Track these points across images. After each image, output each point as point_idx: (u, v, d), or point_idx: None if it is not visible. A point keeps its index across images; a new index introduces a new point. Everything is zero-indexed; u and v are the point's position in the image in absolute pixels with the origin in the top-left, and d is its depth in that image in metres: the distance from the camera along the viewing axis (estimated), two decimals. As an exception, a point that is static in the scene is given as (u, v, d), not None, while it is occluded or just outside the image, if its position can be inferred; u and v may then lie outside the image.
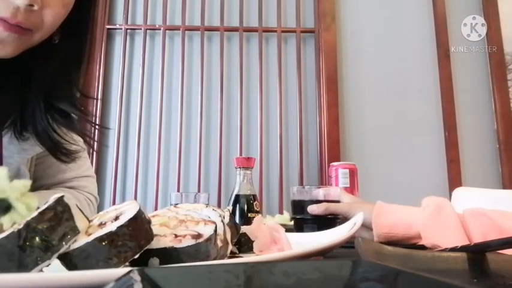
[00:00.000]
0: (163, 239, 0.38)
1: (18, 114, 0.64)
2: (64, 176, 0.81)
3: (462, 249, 0.46)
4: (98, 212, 0.89)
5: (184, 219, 0.42)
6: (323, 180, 1.88)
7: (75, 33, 0.68)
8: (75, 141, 0.71)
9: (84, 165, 0.86)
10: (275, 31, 2.03)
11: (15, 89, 0.64)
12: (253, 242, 0.51)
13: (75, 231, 0.34)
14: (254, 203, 1.07)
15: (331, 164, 1.17)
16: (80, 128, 0.73)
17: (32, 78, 0.65)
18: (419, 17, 2.08)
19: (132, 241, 0.34)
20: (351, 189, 1.11)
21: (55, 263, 0.33)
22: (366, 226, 0.80)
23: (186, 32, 2.02)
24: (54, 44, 0.66)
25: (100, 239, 0.33)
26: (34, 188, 0.79)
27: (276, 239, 0.51)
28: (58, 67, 0.67)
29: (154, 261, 0.37)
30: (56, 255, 0.33)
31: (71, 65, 0.70)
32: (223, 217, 0.45)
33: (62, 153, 0.69)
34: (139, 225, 0.35)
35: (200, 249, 0.37)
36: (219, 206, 1.80)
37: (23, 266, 0.31)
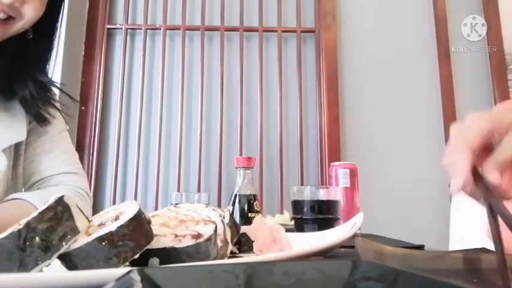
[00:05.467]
0: (163, 239, 0.38)
1: (8, 82, 0.81)
2: (55, 170, 0.85)
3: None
4: (94, 209, 0.91)
5: (184, 219, 0.42)
6: (323, 180, 1.87)
7: (44, 31, 0.84)
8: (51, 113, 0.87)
9: (75, 164, 0.90)
10: (275, 31, 2.03)
11: (5, 64, 0.82)
12: (253, 242, 0.51)
13: (75, 231, 0.34)
14: (254, 203, 1.07)
15: (331, 163, 1.17)
16: (53, 100, 0.88)
17: (18, 59, 0.83)
18: (420, 16, 2.08)
19: (132, 241, 0.34)
20: (351, 189, 1.10)
21: (55, 263, 0.33)
22: None
23: (187, 31, 2.02)
24: (29, 39, 0.81)
25: (100, 239, 0.33)
26: (28, 186, 0.82)
27: (276, 239, 0.51)
28: (34, 55, 0.84)
29: (154, 261, 0.37)
30: (56, 255, 0.33)
31: (43, 54, 0.86)
32: (223, 217, 0.45)
33: (42, 119, 0.84)
34: (139, 225, 0.35)
35: (200, 249, 0.37)
36: (219, 206, 1.80)
37: (23, 266, 0.31)
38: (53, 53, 0.88)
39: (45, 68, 0.87)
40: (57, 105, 0.90)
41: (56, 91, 0.91)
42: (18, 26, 0.75)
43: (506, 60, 2.00)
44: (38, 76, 0.84)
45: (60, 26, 0.88)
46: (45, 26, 0.83)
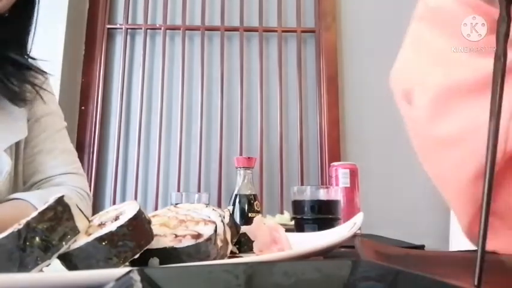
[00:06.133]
0: (163, 239, 0.38)
1: None
2: (56, 170, 0.84)
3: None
4: (94, 209, 0.91)
5: (184, 219, 0.42)
6: (323, 180, 1.87)
7: (22, 10, 0.82)
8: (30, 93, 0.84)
9: (75, 163, 0.89)
10: (275, 31, 2.03)
11: None
12: (253, 242, 0.51)
13: (75, 231, 0.34)
14: (255, 203, 1.07)
15: (331, 164, 1.18)
16: (31, 79, 0.85)
17: None
18: (420, 16, 2.07)
19: (132, 241, 0.34)
20: (352, 189, 1.11)
21: (55, 263, 0.33)
22: None
23: (187, 31, 2.02)
24: (4, 18, 0.79)
25: (100, 239, 0.33)
26: (28, 186, 0.82)
27: (276, 239, 0.51)
28: (9, 34, 0.81)
29: (154, 261, 0.37)
30: (56, 255, 0.33)
31: (20, 33, 0.84)
32: (223, 217, 0.45)
33: (19, 99, 0.80)
34: (139, 225, 0.35)
35: (200, 249, 0.37)
36: (219, 206, 1.80)
37: (23, 266, 0.31)
38: (32, 32, 0.85)
39: (21, 47, 0.84)
40: (37, 82, 0.87)
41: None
42: None
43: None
44: (11, 55, 0.81)
45: (38, 2, 0.85)
46: (23, 5, 0.82)
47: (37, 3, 0.85)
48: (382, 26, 2.06)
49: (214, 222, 0.41)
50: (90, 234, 0.34)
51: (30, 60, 0.86)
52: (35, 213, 0.33)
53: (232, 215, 0.50)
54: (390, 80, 0.56)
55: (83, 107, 1.91)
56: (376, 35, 2.05)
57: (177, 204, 0.53)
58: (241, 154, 1.87)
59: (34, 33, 0.86)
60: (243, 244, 0.52)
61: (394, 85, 0.55)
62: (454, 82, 0.45)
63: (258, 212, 1.06)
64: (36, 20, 0.85)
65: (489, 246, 0.46)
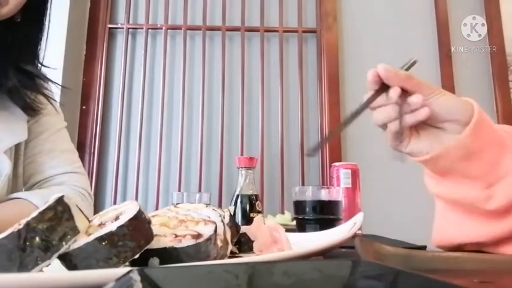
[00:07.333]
0: (163, 239, 0.38)
1: None
2: (55, 170, 0.84)
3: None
4: (95, 209, 0.91)
5: (184, 219, 0.42)
6: (324, 180, 1.87)
7: (34, 14, 0.82)
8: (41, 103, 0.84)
9: (75, 163, 0.89)
10: (277, 31, 2.03)
11: None
12: (253, 242, 0.51)
13: (75, 231, 0.34)
14: (256, 203, 1.07)
15: (332, 164, 1.17)
16: (44, 90, 0.86)
17: (1, 46, 0.79)
18: (421, 17, 2.07)
19: (132, 241, 0.34)
20: (353, 189, 1.10)
21: (55, 263, 0.33)
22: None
23: (188, 31, 2.02)
24: (17, 22, 0.79)
25: (100, 239, 0.33)
26: (28, 187, 0.81)
27: (276, 239, 0.51)
28: (22, 39, 0.81)
29: (154, 261, 0.37)
30: (56, 255, 0.33)
31: (32, 38, 0.83)
32: (223, 217, 0.45)
33: (31, 109, 0.81)
34: (139, 225, 0.35)
35: (200, 249, 0.37)
36: (220, 206, 1.80)
37: (23, 266, 0.31)
38: (43, 39, 0.85)
39: (32, 55, 0.83)
40: (49, 94, 0.87)
41: (56, 87, 0.90)
42: (3, 12, 0.73)
43: (507, 61, 2.00)
44: (22, 64, 0.80)
45: (50, 7, 0.85)
46: (34, 8, 0.81)
47: (48, 8, 0.84)
48: (382, 26, 2.06)
49: (214, 222, 0.41)
50: (90, 234, 0.34)
51: (40, 67, 0.86)
52: (35, 213, 0.33)
53: (232, 215, 0.50)
54: (434, 241, 0.76)
55: (84, 107, 1.91)
56: (376, 35, 2.05)
57: (177, 204, 0.53)
58: (242, 154, 1.87)
59: (47, 40, 0.85)
60: (243, 244, 0.52)
61: (438, 245, 0.74)
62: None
63: (259, 212, 1.06)
64: (49, 26, 0.85)
65: None
